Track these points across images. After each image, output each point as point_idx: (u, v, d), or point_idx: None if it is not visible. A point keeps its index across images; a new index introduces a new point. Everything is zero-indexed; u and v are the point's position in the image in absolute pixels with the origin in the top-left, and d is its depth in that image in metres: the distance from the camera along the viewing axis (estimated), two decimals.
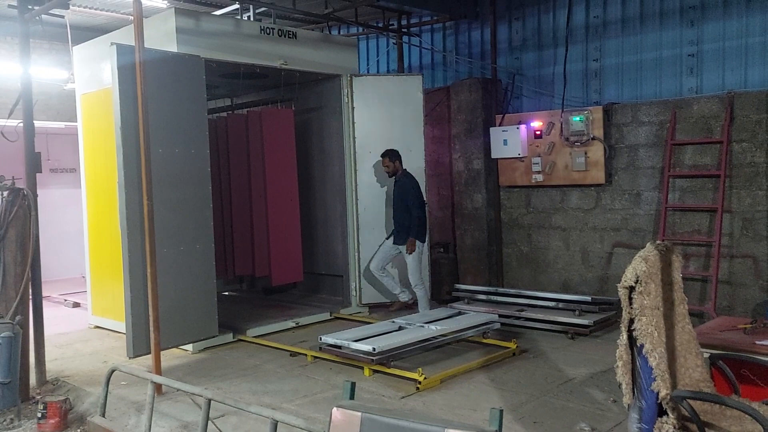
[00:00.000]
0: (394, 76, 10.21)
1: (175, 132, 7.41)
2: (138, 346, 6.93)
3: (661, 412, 3.54)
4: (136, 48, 6.49)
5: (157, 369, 6.48)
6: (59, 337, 8.83)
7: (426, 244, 9.36)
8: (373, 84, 9.65)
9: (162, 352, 6.69)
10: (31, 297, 6.79)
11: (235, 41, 8.36)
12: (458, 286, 9.89)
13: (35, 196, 6.72)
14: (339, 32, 11.90)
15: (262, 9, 9.43)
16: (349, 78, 9.50)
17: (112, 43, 6.87)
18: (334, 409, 3.09)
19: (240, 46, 8.38)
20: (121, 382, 6.64)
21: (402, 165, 9.18)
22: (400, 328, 7.63)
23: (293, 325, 8.94)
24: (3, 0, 9.41)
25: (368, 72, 12.16)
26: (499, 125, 9.88)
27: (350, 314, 9.39)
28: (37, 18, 7.45)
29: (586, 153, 9.06)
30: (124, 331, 8.77)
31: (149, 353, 6.64)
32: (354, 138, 9.58)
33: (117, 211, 8.67)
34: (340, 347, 7.11)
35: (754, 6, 7.95)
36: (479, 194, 10.13)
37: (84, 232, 9.58)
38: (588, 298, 8.43)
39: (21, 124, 7.05)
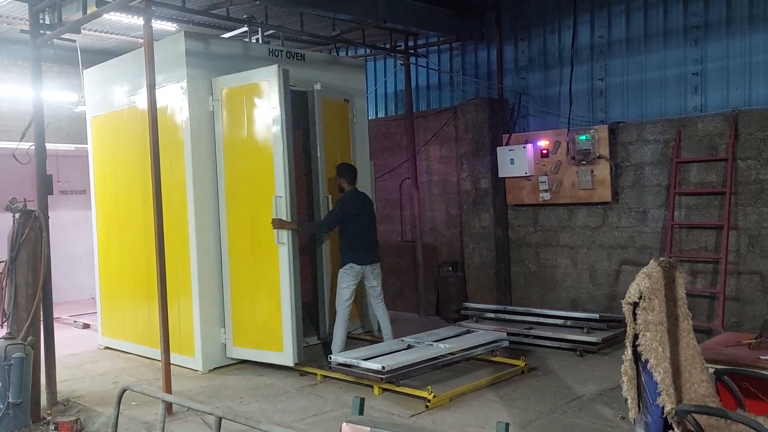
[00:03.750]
0: None
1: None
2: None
3: (667, 427, 3.56)
4: (147, 71, 6.59)
5: (168, 388, 6.52)
6: (70, 358, 8.88)
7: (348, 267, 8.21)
8: None
9: (172, 372, 6.73)
10: (42, 318, 6.83)
11: (244, 63, 8.44)
12: (467, 304, 9.91)
13: (47, 217, 6.78)
14: (347, 54, 12.00)
15: (271, 31, 9.54)
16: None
17: (279, 66, 7.27)
18: (344, 424, 3.12)
19: (249, 69, 8.45)
20: (131, 402, 6.67)
21: (351, 182, 8.31)
22: (409, 347, 7.67)
23: (303, 344, 8.96)
24: (15, 25, 9.57)
25: (376, 92, 12.28)
26: (506, 144, 9.93)
27: (360, 333, 9.40)
28: (49, 42, 7.57)
29: (592, 171, 9.10)
30: (134, 352, 8.89)
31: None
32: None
33: (126, 232, 8.80)
34: (349, 366, 7.12)
35: (757, 25, 8.01)
36: (487, 213, 10.17)
37: (94, 253, 9.66)
38: (596, 316, 8.44)
39: (32, 147, 7.13)
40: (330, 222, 8.24)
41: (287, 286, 7.60)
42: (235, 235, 8.07)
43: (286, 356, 7.66)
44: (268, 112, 7.73)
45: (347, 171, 8.37)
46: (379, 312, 8.49)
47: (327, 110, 8.85)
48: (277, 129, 7.63)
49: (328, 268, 8.74)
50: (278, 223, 7.57)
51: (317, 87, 8.60)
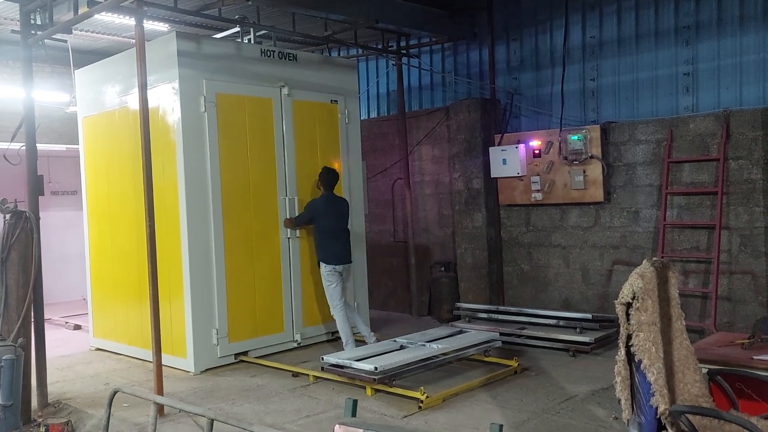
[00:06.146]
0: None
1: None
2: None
3: (660, 428, 3.55)
4: (138, 71, 6.56)
5: (159, 390, 6.49)
6: (61, 359, 8.84)
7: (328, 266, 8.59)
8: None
9: (163, 373, 6.71)
10: (33, 319, 6.80)
11: (236, 64, 8.43)
12: (459, 304, 9.90)
13: (37, 218, 6.75)
14: (339, 54, 11.99)
15: (263, 32, 9.52)
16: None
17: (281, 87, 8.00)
18: (336, 426, 3.11)
19: (241, 69, 8.45)
20: (123, 404, 6.64)
21: (325, 188, 8.67)
22: (402, 347, 7.66)
23: (295, 345, 8.96)
24: (6, 25, 9.52)
25: (368, 93, 12.27)
26: (498, 145, 9.93)
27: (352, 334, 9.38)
28: (40, 42, 7.53)
29: (584, 171, 9.11)
30: (125, 353, 8.87)
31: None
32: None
33: (118, 233, 8.77)
34: (342, 367, 7.11)
35: (748, 25, 8.03)
36: (479, 213, 10.17)
37: (85, 254, 9.62)
38: (589, 316, 8.44)
39: (23, 148, 7.10)
40: (296, 222, 8.88)
41: (288, 274, 8.83)
42: (232, 233, 8.22)
43: (287, 335, 8.83)
44: (272, 125, 8.67)
45: (323, 177, 8.74)
46: (350, 313, 8.70)
47: (306, 112, 9.01)
48: (280, 142, 8.73)
49: (297, 269, 9.00)
50: (287, 222, 8.79)
51: (284, 91, 8.81)
